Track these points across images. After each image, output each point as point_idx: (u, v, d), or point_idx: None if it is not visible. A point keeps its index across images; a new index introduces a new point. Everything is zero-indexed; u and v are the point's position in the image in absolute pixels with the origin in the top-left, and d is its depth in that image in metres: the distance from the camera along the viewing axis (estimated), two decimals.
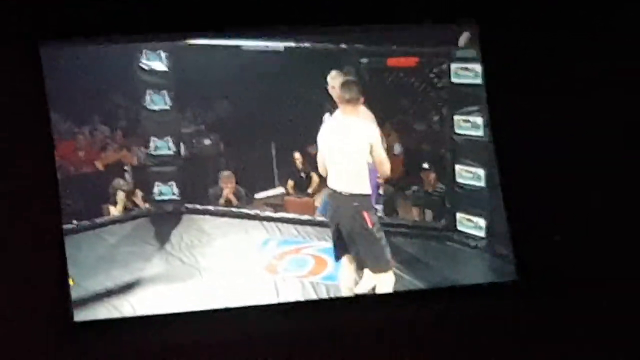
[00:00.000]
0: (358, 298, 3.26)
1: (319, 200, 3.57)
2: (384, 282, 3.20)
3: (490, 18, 3.33)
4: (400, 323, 3.13)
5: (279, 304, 3.22)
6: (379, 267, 3.19)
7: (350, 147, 3.15)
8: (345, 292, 3.24)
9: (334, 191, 3.16)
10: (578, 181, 3.35)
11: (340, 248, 3.21)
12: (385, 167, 3.21)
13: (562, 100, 3.37)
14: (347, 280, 3.25)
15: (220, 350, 3.00)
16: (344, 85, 3.26)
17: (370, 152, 3.14)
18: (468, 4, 3.32)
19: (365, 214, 3.13)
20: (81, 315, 2.98)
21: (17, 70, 3.03)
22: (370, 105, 3.31)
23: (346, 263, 3.23)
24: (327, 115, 3.27)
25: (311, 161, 3.58)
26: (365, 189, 3.16)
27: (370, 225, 3.12)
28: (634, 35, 3.37)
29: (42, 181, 3.05)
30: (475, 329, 3.16)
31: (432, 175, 3.66)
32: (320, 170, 3.25)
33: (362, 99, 3.23)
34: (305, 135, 3.46)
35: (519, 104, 3.35)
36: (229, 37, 3.42)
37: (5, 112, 3.00)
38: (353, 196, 3.13)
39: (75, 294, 3.06)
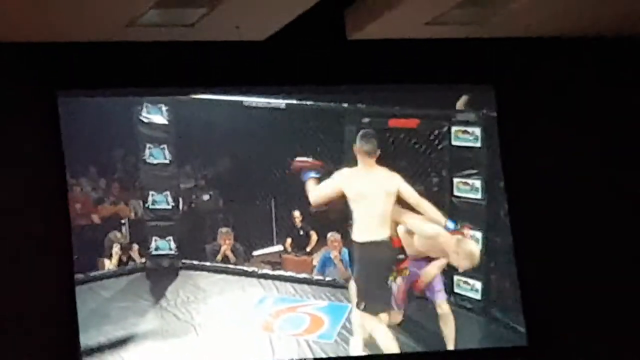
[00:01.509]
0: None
1: (316, 259, 3.56)
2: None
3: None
4: None
5: None
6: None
7: (378, 194, 3.29)
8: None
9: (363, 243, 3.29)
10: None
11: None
12: (424, 205, 3.33)
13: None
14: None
15: None
16: (364, 137, 3.34)
17: (401, 196, 3.29)
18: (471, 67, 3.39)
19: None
20: None
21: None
22: None
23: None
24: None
25: (310, 220, 3.59)
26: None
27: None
28: None
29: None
30: None
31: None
32: (318, 199, 3.36)
33: (378, 152, 3.32)
34: (305, 194, 3.46)
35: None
36: (232, 93, 3.45)
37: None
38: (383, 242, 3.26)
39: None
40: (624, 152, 3.43)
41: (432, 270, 3.36)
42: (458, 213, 3.48)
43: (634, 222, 3.39)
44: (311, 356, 3.27)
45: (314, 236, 3.56)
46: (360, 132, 3.37)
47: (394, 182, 3.33)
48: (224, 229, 3.57)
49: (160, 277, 3.50)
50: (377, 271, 3.34)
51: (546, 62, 3.44)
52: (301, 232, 3.57)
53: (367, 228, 3.31)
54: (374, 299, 3.31)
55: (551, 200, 3.43)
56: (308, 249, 3.57)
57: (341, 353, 3.31)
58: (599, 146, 3.44)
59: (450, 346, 3.30)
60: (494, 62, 3.39)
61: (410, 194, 3.33)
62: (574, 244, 3.39)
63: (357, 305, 3.30)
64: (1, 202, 3.02)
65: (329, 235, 3.53)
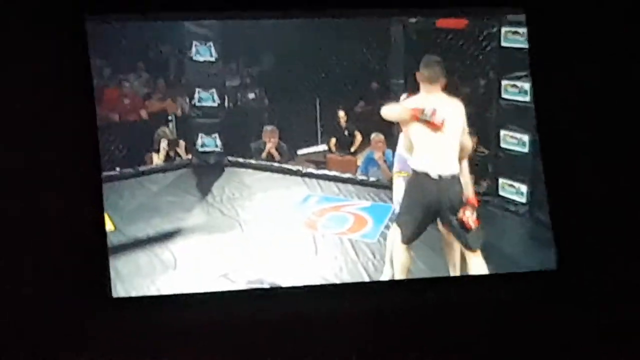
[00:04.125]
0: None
1: (360, 159, 3.56)
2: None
3: None
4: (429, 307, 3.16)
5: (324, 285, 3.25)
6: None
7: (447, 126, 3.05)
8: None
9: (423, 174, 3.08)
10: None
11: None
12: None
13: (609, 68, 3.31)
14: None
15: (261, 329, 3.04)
16: (427, 64, 3.17)
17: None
18: None
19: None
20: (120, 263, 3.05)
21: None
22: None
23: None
24: (404, 96, 3.23)
25: (355, 120, 3.57)
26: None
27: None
28: None
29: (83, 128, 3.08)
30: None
31: (474, 139, 3.61)
32: (407, 148, 3.24)
33: (444, 82, 3.10)
34: (350, 94, 3.44)
35: (565, 71, 3.30)
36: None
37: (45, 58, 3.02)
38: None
39: (115, 239, 3.13)
40: None
41: None
42: (505, 115, 3.42)
43: None
44: (354, 255, 3.31)
45: (358, 136, 3.56)
46: (424, 58, 3.12)
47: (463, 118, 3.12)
48: (269, 127, 3.59)
49: (206, 173, 3.56)
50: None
51: None
52: (345, 132, 3.57)
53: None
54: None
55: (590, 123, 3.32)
56: (352, 149, 3.57)
57: (383, 253, 3.33)
58: None
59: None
60: None
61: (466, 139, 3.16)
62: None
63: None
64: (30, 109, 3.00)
65: (372, 135, 3.50)
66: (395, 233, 3.20)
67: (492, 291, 3.29)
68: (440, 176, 3.07)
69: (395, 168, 3.19)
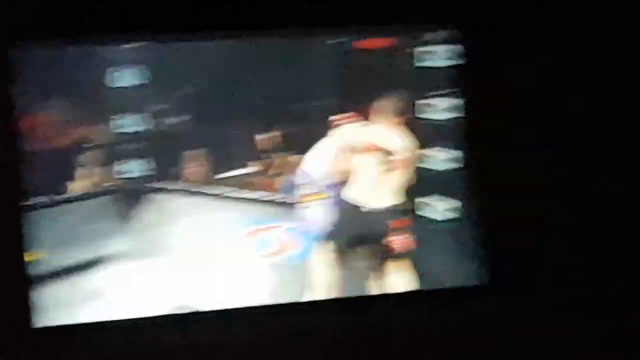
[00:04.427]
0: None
1: (281, 181, 3.56)
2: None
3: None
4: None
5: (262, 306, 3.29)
6: None
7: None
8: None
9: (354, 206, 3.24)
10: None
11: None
12: None
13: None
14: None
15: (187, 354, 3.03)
16: (389, 98, 3.31)
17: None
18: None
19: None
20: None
21: None
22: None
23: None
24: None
25: (275, 143, 3.58)
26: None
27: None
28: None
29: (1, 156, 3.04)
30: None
31: None
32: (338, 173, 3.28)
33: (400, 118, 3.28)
34: (275, 117, 3.46)
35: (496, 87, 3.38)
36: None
37: None
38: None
39: (36, 268, 3.13)
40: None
41: None
42: (426, 135, 3.47)
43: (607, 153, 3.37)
44: (281, 277, 3.32)
45: (277, 160, 3.55)
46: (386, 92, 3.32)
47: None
48: (191, 152, 3.56)
49: (129, 199, 3.51)
50: None
51: None
52: (266, 155, 3.57)
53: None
54: None
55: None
56: (272, 172, 3.57)
57: (309, 274, 3.35)
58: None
59: None
60: None
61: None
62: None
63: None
64: None
65: (291, 157, 3.52)
66: (319, 254, 3.22)
67: (422, 308, 3.33)
68: (373, 209, 3.13)
69: (308, 189, 3.23)
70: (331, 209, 3.29)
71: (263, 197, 3.50)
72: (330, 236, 3.26)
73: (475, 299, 3.33)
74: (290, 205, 3.43)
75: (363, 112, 3.39)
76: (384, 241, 3.27)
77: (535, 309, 3.24)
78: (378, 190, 3.30)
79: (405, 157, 3.30)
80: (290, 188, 3.43)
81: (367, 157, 3.30)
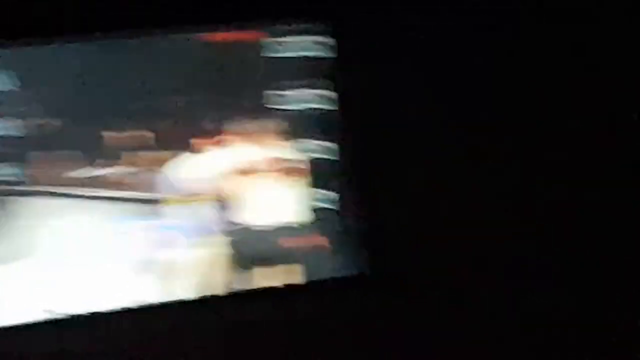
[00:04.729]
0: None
1: (153, 179, 3.54)
2: None
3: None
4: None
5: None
6: None
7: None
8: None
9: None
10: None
11: None
12: None
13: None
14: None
15: None
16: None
17: None
18: None
19: None
20: None
21: None
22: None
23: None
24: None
25: (138, 141, 3.56)
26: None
27: None
28: None
29: None
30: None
31: None
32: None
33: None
34: (138, 117, 3.46)
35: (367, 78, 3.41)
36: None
37: None
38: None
39: None
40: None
41: None
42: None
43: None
44: (163, 273, 3.31)
45: (142, 158, 3.52)
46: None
47: None
48: (65, 153, 3.51)
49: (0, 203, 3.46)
50: None
51: None
52: (139, 152, 3.54)
53: None
54: None
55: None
56: (140, 171, 3.53)
57: (188, 271, 3.36)
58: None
59: None
60: None
61: None
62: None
63: None
64: None
65: (159, 156, 3.50)
66: (203, 251, 3.25)
67: (304, 301, 3.35)
68: (267, 227, 3.19)
69: (168, 192, 3.26)
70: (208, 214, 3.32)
71: (134, 196, 3.48)
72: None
73: (355, 291, 3.36)
74: (161, 203, 3.40)
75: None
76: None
77: (416, 302, 3.30)
78: (275, 206, 3.35)
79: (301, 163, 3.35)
80: (163, 186, 3.42)
81: (261, 175, 3.35)
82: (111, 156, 3.57)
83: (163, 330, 3.14)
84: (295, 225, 3.37)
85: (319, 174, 3.48)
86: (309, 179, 3.44)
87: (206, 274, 3.32)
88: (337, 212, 3.47)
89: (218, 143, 3.36)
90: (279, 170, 3.37)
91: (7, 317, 3.16)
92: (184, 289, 3.31)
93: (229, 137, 3.39)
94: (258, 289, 3.33)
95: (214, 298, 3.32)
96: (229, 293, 3.32)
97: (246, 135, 3.37)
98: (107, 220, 3.41)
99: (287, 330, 3.23)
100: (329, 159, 3.47)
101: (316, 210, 3.45)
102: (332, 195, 3.48)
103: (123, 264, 3.34)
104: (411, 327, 3.29)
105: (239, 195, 3.31)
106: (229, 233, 3.32)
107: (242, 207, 3.33)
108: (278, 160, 3.37)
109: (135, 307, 3.23)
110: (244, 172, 3.32)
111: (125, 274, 3.31)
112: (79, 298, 3.23)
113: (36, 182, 3.52)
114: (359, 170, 3.47)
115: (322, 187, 3.47)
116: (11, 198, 3.43)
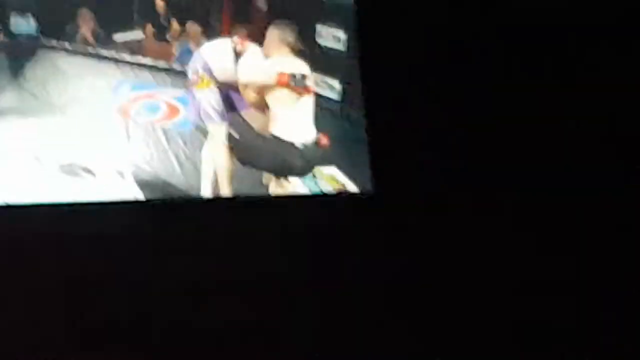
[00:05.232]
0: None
1: (177, 48, 3.55)
2: None
3: None
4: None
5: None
6: None
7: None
8: None
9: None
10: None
11: None
12: None
13: None
14: None
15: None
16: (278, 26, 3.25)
17: None
18: None
19: None
20: None
21: None
22: None
23: None
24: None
25: (173, 7, 3.54)
26: None
27: None
28: None
29: None
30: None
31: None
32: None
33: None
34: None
35: None
36: None
37: None
38: None
39: None
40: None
41: None
42: (321, 12, 3.49)
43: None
44: (165, 143, 3.36)
45: (174, 25, 3.52)
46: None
47: None
48: (83, 10, 3.50)
49: (18, 55, 3.47)
50: None
51: None
52: (162, 20, 3.53)
53: None
54: None
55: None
56: (168, 37, 3.55)
57: (195, 143, 3.38)
58: None
59: None
60: None
61: None
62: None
63: None
64: None
65: (188, 24, 3.51)
66: (217, 140, 3.29)
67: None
68: (304, 145, 3.21)
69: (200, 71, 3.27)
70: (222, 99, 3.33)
71: (157, 63, 3.50)
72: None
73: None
74: (184, 73, 3.40)
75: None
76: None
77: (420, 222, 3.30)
78: (300, 122, 3.35)
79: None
80: (186, 58, 3.41)
81: (280, 92, 3.33)
82: (139, 20, 3.57)
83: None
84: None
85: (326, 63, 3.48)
86: None
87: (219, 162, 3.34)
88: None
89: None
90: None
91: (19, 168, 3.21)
92: (184, 159, 3.35)
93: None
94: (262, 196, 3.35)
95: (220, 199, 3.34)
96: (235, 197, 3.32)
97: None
98: (121, 83, 3.47)
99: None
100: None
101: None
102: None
103: (129, 128, 3.39)
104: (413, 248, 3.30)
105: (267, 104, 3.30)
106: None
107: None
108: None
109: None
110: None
111: (129, 139, 3.35)
112: (89, 156, 3.26)
113: (52, 37, 3.52)
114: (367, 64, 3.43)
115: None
116: (29, 51, 3.45)
